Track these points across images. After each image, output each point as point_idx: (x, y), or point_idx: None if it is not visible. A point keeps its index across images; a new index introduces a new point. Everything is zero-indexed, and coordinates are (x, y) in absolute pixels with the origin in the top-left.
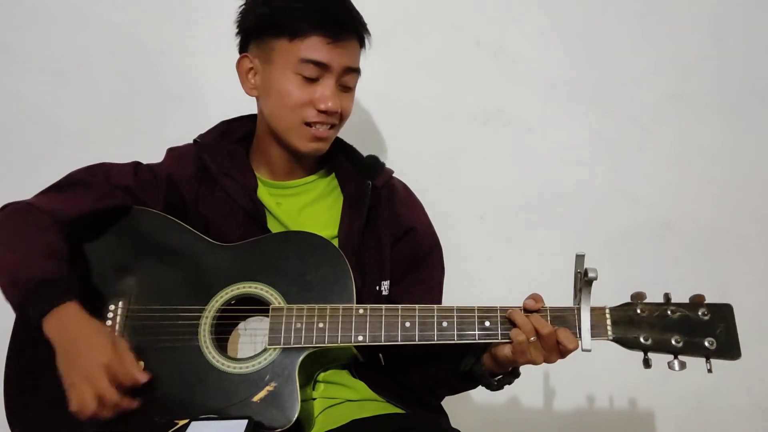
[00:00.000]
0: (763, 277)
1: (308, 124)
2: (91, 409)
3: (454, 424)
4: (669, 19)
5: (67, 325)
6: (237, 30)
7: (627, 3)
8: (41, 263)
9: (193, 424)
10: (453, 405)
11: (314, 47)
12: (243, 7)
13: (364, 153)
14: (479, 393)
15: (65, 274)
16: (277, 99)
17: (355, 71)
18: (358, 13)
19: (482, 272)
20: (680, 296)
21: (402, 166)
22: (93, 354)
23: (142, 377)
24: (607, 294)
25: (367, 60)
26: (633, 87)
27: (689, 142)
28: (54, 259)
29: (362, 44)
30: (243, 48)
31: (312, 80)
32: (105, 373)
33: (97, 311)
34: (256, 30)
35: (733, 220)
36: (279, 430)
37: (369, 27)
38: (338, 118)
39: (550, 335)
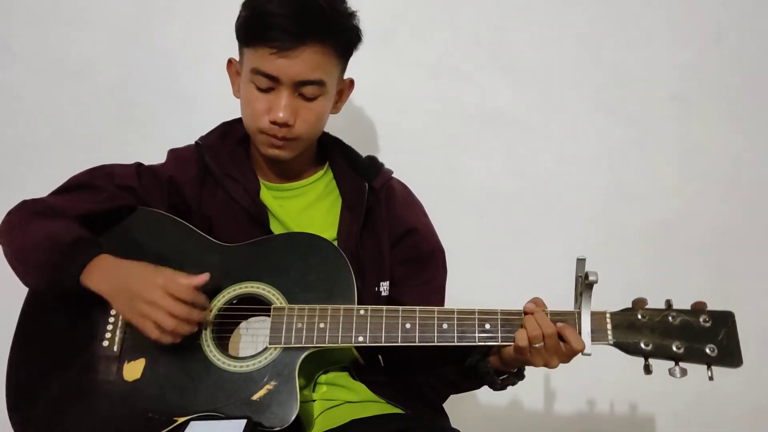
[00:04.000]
0: (765, 277)
1: (263, 132)
2: (170, 327)
3: (454, 424)
4: (669, 19)
5: (110, 270)
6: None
7: (627, 3)
8: (71, 229)
9: (192, 423)
10: (453, 406)
11: (263, 58)
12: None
13: (363, 153)
14: (480, 394)
15: (92, 235)
16: (242, 105)
17: (314, 83)
18: (326, 16)
19: (482, 272)
20: (680, 297)
21: (401, 166)
22: (146, 283)
23: (200, 278)
24: (607, 293)
25: (367, 60)
26: (633, 87)
27: (690, 142)
28: (80, 227)
29: (336, 49)
30: None
31: (264, 90)
32: (165, 293)
33: (101, 308)
34: (237, 33)
35: (734, 221)
36: (278, 429)
37: (369, 27)
38: (292, 131)
39: (552, 335)
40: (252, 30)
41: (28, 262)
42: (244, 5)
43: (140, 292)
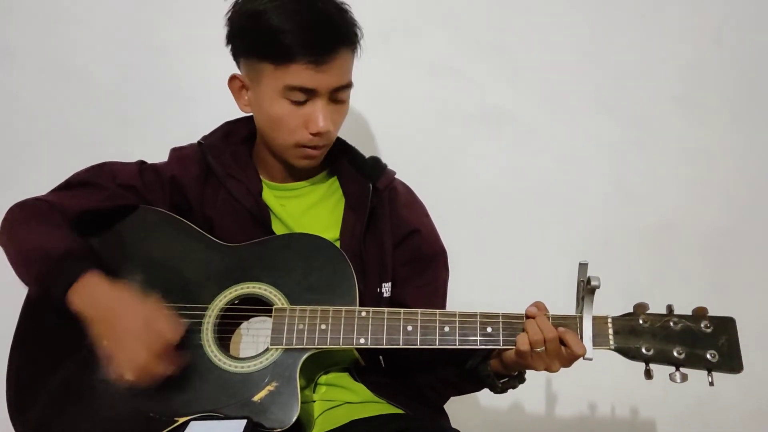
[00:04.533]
0: (765, 279)
1: (301, 145)
2: (143, 361)
3: (454, 424)
4: (670, 19)
5: (96, 292)
6: (227, 40)
7: (628, 3)
8: (62, 240)
9: (192, 423)
10: (454, 406)
11: (299, 74)
12: (230, 12)
13: (364, 153)
14: (481, 395)
15: (85, 248)
16: (268, 122)
17: (346, 87)
18: (344, 21)
19: (481, 272)
20: (680, 298)
21: (401, 166)
22: (132, 315)
23: (178, 331)
24: (606, 293)
25: (367, 60)
26: (633, 87)
27: (690, 143)
28: (72, 238)
29: (355, 48)
30: (235, 56)
31: (301, 103)
32: (150, 331)
33: None
34: (244, 48)
35: (735, 221)
36: (278, 430)
37: (369, 27)
38: (328, 137)
39: (553, 340)
40: (280, 49)
41: (22, 268)
42: (257, 24)
43: (122, 324)
